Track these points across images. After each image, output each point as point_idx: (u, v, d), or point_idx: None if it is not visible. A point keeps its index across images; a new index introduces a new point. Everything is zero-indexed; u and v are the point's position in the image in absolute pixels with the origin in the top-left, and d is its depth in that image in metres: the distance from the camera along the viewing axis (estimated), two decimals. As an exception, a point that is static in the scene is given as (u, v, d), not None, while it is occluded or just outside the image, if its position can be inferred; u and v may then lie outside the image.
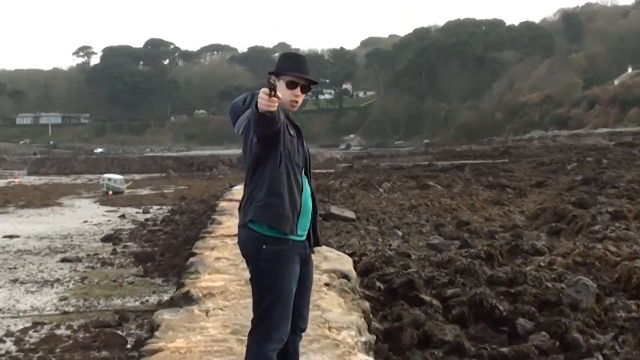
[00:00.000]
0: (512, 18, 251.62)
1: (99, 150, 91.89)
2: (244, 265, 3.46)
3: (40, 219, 20.11)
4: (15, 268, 11.54)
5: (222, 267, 7.14)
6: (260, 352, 3.17)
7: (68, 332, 7.40)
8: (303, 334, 3.44)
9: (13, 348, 6.87)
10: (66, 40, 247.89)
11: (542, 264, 8.91)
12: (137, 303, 8.86)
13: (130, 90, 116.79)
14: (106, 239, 14.92)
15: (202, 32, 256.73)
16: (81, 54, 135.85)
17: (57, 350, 6.69)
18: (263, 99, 2.89)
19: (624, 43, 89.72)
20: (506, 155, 38.97)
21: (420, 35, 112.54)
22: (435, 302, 6.99)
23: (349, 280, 6.61)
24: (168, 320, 5.02)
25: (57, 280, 10.47)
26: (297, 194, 3.21)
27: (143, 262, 11.75)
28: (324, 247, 7.45)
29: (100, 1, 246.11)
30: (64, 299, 9.13)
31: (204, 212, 18.68)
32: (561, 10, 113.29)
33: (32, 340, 7.12)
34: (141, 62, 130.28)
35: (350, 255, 8.74)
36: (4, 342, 7.09)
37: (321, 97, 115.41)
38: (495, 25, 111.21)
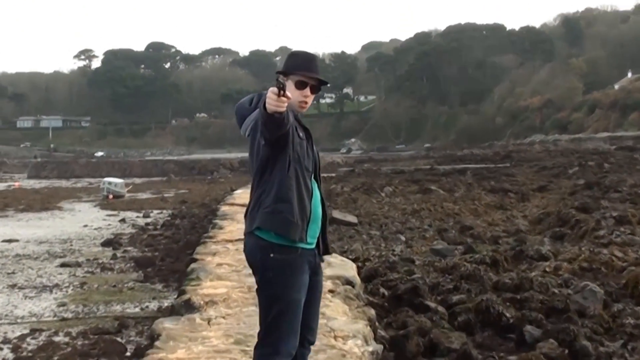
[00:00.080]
0: (513, 23, 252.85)
1: (100, 153, 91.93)
2: (247, 271, 3.34)
3: (40, 223, 20.00)
4: (13, 273, 11.41)
5: (224, 274, 7.00)
6: None
7: (66, 339, 7.26)
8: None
9: (10, 356, 6.75)
10: (67, 43, 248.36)
11: (547, 269, 8.79)
12: (137, 309, 8.73)
13: (131, 94, 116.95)
14: (106, 243, 14.79)
15: (204, 36, 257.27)
16: (82, 57, 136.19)
17: (55, 358, 6.56)
18: (272, 99, 2.74)
19: (624, 48, 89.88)
20: (508, 159, 38.94)
21: (421, 39, 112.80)
22: (440, 308, 6.86)
23: (353, 286, 6.49)
24: (169, 330, 4.89)
25: (56, 285, 10.35)
26: (306, 200, 3.06)
27: (143, 267, 11.61)
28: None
29: (101, 4, 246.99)
30: (63, 304, 9.00)
31: (205, 216, 18.57)
32: (561, 15, 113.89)
33: (29, 348, 6.99)
34: (142, 66, 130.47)
35: (354, 260, 8.62)
36: (1, 349, 6.96)
37: (322, 101, 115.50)
38: (496, 29, 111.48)
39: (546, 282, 7.72)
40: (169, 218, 19.99)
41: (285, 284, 3.01)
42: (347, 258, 8.50)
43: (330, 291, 6.09)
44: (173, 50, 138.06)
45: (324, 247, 3.23)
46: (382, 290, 7.47)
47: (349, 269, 7.22)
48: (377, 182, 25.34)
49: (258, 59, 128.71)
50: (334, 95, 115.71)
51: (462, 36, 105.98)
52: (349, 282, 6.55)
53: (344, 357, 4.32)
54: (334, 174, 34.48)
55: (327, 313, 5.28)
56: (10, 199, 27.68)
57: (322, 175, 3.30)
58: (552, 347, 5.85)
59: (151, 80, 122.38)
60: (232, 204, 16.53)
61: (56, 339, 7.31)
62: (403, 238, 12.72)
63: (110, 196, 28.71)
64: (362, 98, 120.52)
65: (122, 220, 19.76)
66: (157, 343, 4.61)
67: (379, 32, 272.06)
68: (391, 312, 6.82)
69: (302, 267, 3.06)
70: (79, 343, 7.08)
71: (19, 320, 8.24)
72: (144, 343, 6.49)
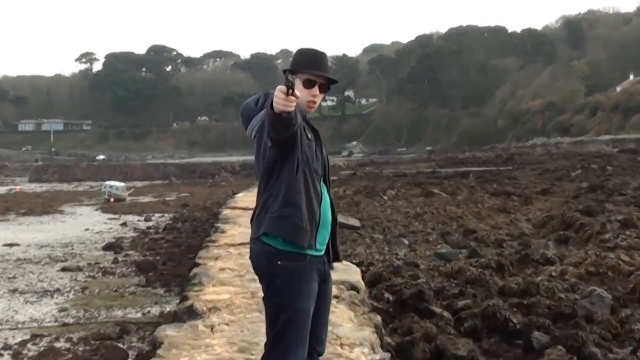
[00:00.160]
0: (514, 25, 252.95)
1: (101, 157, 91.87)
2: (250, 276, 3.24)
3: (41, 226, 19.93)
4: (14, 277, 11.35)
5: (227, 279, 6.88)
6: None
7: (67, 345, 7.19)
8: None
9: (11, 362, 6.68)
10: (68, 46, 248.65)
11: (553, 273, 8.69)
12: (139, 314, 8.65)
13: (132, 97, 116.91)
14: (107, 247, 14.72)
15: (205, 39, 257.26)
16: (83, 60, 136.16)
17: (56, 364, 6.49)
18: (279, 98, 2.60)
19: (626, 50, 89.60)
20: (510, 162, 38.78)
21: (423, 42, 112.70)
22: (446, 314, 6.76)
23: (358, 292, 6.39)
24: (171, 337, 4.78)
25: (57, 290, 10.27)
26: (315, 204, 2.92)
27: (145, 272, 11.54)
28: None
29: (102, 8, 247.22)
30: (64, 309, 8.92)
31: (206, 219, 18.50)
32: (563, 17, 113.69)
33: (30, 354, 6.92)
34: (144, 69, 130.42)
35: (357, 265, 8.51)
36: (2, 355, 6.89)
37: (323, 103, 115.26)
38: (498, 32, 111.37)
39: (553, 286, 7.62)
40: (170, 222, 19.92)
41: (294, 292, 2.87)
42: (351, 262, 8.39)
43: (335, 297, 5.98)
44: (174, 53, 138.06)
45: (333, 254, 3.09)
46: (386, 295, 7.37)
47: (353, 274, 7.12)
48: (379, 185, 25.25)
49: (259, 61, 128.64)
50: (335, 98, 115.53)
51: (463, 38, 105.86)
52: (353, 287, 6.45)
53: (350, 366, 4.22)
54: (335, 177, 34.40)
55: (332, 320, 5.16)
56: (11, 203, 27.64)
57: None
58: (560, 354, 5.75)
59: (152, 84, 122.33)
60: (234, 208, 16.44)
61: (57, 344, 7.24)
62: (406, 242, 12.62)
63: (112, 200, 28.67)
64: (363, 101, 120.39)
65: (124, 224, 19.69)
66: (159, 351, 4.51)
67: (381, 34, 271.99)
68: (396, 318, 6.72)
69: (311, 275, 2.92)
70: (80, 349, 7.00)
71: (19, 326, 8.17)
72: (145, 349, 6.41)
